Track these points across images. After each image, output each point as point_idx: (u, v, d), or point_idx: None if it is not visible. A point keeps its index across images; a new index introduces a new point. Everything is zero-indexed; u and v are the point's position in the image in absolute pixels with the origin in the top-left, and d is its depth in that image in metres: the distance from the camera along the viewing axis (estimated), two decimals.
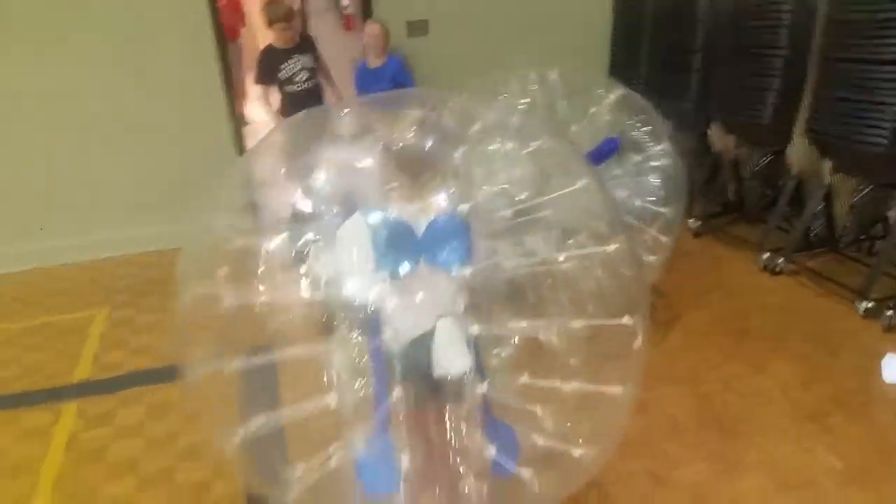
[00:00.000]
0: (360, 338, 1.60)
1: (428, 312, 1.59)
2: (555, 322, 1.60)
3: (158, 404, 2.80)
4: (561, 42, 4.76)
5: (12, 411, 2.83)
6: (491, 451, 1.57)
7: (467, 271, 1.56)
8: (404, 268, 1.56)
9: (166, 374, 2.94)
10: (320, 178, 1.61)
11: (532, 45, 4.76)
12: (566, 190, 1.64)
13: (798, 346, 2.95)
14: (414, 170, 1.64)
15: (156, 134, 4.31)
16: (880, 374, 2.72)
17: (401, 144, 1.63)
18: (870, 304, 3.15)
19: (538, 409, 1.59)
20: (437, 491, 1.64)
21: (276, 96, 4.15)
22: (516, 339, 1.61)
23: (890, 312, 3.05)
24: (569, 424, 1.58)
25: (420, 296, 1.58)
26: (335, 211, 1.63)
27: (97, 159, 4.28)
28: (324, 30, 6.91)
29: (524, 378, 1.61)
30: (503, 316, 1.62)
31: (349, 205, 1.62)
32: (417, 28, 4.37)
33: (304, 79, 4.08)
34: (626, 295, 1.63)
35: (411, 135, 1.62)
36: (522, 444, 1.60)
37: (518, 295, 1.64)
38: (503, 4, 4.70)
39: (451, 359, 1.56)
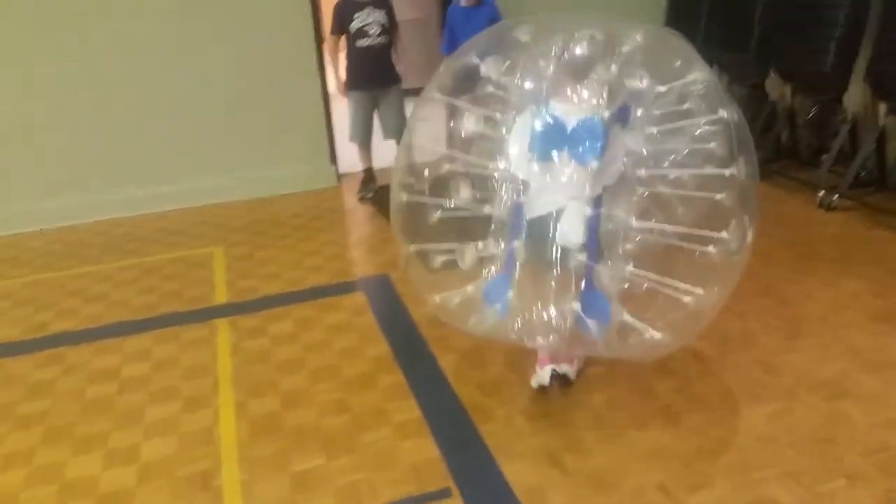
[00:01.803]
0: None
1: (561, 193, 2.02)
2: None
3: (304, 319, 3.17)
4: None
5: (169, 329, 3.18)
6: (577, 308, 1.98)
7: (596, 164, 1.96)
8: (552, 155, 2.01)
9: (303, 296, 3.36)
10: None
11: None
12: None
13: (862, 267, 3.30)
14: (577, 76, 2.03)
15: (246, 89, 4.63)
16: None
17: (568, 55, 2.01)
18: None
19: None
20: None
21: (342, 60, 4.38)
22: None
23: None
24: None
25: (558, 177, 2.01)
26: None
27: (192, 114, 4.61)
28: None
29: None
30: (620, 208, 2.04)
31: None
32: None
33: (377, 32, 4.27)
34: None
35: (580, 48, 1.99)
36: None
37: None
38: None
39: (569, 233, 1.99)
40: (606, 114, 1.97)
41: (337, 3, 4.34)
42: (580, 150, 1.97)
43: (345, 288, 3.47)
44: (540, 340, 2.10)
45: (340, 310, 3.25)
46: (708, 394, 2.43)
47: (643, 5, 5.19)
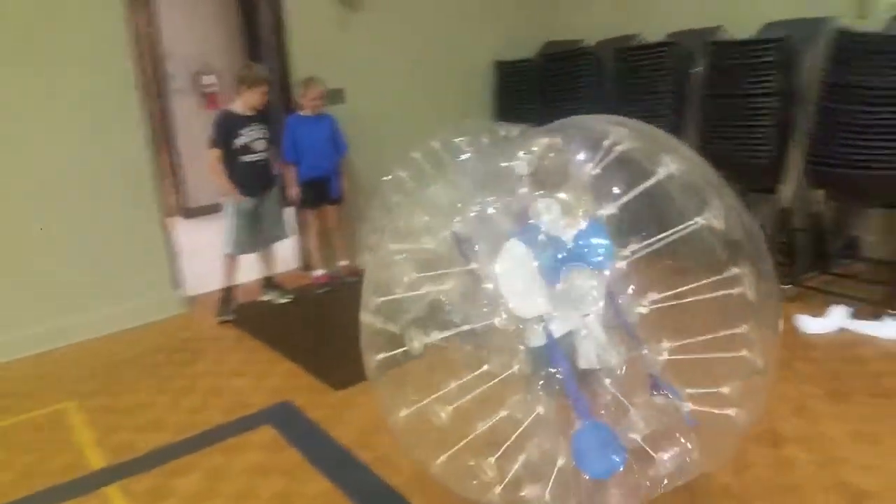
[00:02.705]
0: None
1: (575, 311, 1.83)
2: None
3: (213, 468, 2.75)
4: (453, 100, 5.38)
5: None
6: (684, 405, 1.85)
7: (621, 265, 1.82)
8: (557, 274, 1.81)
9: (198, 442, 2.93)
10: None
11: (431, 105, 5.27)
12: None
13: None
14: (553, 185, 1.88)
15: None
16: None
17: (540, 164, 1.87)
18: None
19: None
20: None
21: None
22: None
23: None
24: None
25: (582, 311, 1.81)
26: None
27: (8, 252, 3.95)
28: (185, 110, 6.88)
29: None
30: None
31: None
32: (335, 97, 4.66)
33: (262, 148, 4.19)
34: None
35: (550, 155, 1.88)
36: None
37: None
38: (401, 72, 5.17)
39: (596, 352, 1.82)
40: (606, 212, 1.85)
41: (221, 117, 4.20)
42: (590, 256, 1.81)
43: (246, 424, 3.08)
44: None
45: (252, 449, 2.87)
46: None
47: (474, 109, 5.50)
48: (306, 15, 4.73)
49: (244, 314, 4.34)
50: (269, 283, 4.59)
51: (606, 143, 1.86)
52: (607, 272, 1.83)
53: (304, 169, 4.51)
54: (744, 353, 1.83)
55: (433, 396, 1.97)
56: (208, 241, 5.56)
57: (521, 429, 1.86)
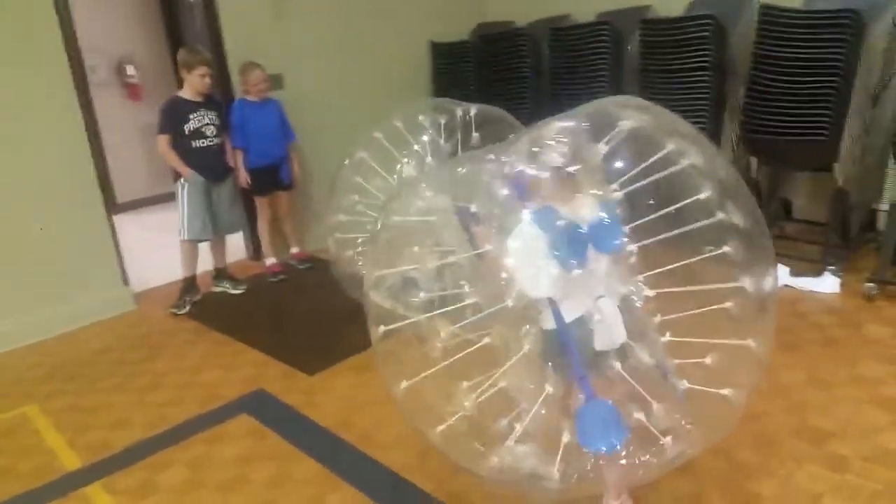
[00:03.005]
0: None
1: (586, 294, 1.86)
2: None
3: (197, 459, 2.76)
4: (390, 83, 5.43)
5: None
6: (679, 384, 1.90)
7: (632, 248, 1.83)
8: (586, 257, 1.81)
9: (175, 436, 2.92)
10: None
11: (370, 88, 5.31)
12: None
13: None
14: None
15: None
16: None
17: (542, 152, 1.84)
18: None
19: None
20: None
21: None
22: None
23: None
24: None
25: (583, 279, 1.82)
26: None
27: None
28: (108, 101, 6.65)
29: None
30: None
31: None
32: (275, 83, 4.62)
33: (213, 133, 4.13)
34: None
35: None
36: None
37: None
38: (339, 56, 5.17)
39: (613, 333, 1.88)
40: (620, 194, 1.86)
41: (168, 102, 4.14)
42: (606, 240, 1.82)
43: (221, 414, 3.08)
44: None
45: (233, 439, 2.89)
46: None
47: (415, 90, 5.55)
48: (239, 2, 4.66)
49: (198, 307, 4.29)
50: (220, 273, 4.55)
51: (622, 124, 1.86)
52: (623, 253, 1.84)
53: (253, 155, 4.47)
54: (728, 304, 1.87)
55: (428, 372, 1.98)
56: (141, 236, 5.49)
57: (533, 409, 1.89)
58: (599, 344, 1.89)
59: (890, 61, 3.81)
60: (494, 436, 1.97)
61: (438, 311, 2.01)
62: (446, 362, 1.95)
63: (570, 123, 1.87)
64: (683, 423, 1.92)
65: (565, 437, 1.90)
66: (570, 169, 1.82)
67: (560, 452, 1.90)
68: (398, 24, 5.50)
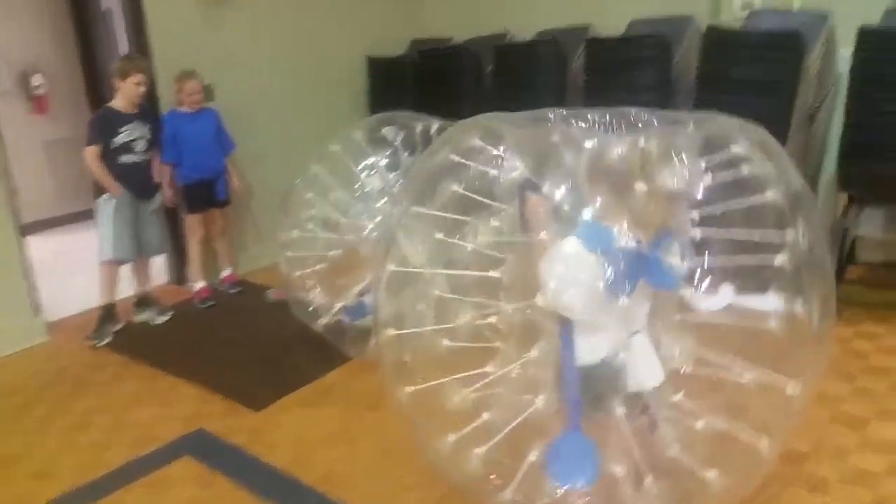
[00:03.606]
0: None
1: (619, 329, 1.74)
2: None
3: None
4: (327, 97, 5.24)
5: None
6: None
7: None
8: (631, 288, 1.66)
9: (110, 484, 2.65)
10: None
11: (305, 102, 5.09)
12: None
13: None
14: (617, 187, 1.70)
15: None
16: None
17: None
18: None
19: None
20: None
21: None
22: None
23: None
24: None
25: (622, 312, 1.69)
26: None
27: None
28: (9, 113, 6.12)
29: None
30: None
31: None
32: (205, 94, 4.34)
33: (143, 149, 3.84)
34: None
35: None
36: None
37: None
38: (273, 68, 4.94)
39: (648, 374, 1.77)
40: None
41: (97, 115, 3.87)
42: (662, 275, 1.68)
43: (161, 458, 2.79)
44: None
45: (177, 484, 2.62)
46: None
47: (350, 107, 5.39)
48: (168, 10, 4.37)
49: (121, 337, 3.94)
50: (144, 300, 4.20)
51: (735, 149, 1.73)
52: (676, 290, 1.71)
53: (186, 169, 4.18)
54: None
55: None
56: (51, 259, 5.04)
57: (517, 420, 1.80)
58: (634, 384, 1.75)
59: (823, 83, 3.93)
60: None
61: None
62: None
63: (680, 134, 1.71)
64: None
65: (531, 457, 1.80)
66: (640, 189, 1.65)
67: (521, 472, 1.80)
68: (333, 37, 5.32)
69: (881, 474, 2.38)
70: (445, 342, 1.91)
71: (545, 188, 1.72)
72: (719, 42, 3.80)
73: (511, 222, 1.85)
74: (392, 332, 2.00)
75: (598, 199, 1.71)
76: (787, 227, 1.73)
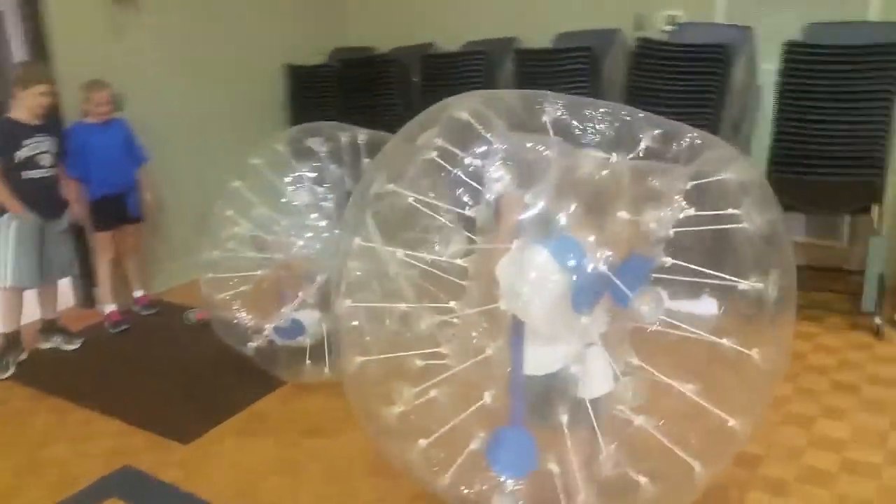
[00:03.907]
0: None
1: (576, 341, 1.75)
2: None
3: None
4: (244, 106, 5.02)
5: None
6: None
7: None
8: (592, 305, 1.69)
9: None
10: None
11: (221, 111, 4.86)
12: None
13: None
14: (592, 201, 1.69)
15: None
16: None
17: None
18: None
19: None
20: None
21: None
22: None
23: None
24: None
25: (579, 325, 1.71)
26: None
27: None
28: None
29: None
30: None
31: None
32: (115, 103, 4.04)
33: (49, 163, 3.52)
34: None
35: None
36: None
37: None
38: (187, 76, 4.67)
39: (600, 383, 1.78)
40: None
41: None
42: (621, 294, 1.63)
43: (83, 501, 2.52)
44: None
45: None
46: None
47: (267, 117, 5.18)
48: (70, 14, 4.05)
49: (26, 368, 3.58)
50: (50, 326, 3.84)
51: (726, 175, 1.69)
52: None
53: (95, 185, 3.86)
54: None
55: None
56: None
57: (463, 414, 1.83)
58: (585, 391, 1.76)
59: (745, 94, 4.05)
60: None
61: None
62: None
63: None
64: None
65: (473, 445, 1.84)
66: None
67: (461, 458, 1.84)
68: (250, 43, 5.06)
69: (835, 473, 2.41)
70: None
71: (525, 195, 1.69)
72: (648, 54, 3.85)
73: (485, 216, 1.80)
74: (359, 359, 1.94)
75: (572, 210, 1.68)
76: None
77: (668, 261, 1.72)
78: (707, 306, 3.44)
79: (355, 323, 1.99)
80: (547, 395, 1.77)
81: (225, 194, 3.26)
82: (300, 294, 3.18)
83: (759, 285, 1.72)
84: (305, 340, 3.19)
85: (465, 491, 1.86)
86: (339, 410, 2.98)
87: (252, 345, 3.17)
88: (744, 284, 1.73)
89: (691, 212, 1.69)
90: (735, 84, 3.87)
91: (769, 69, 3.76)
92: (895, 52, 3.19)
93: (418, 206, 1.87)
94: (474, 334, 1.84)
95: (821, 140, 3.29)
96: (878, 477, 2.39)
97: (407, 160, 1.92)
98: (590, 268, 1.63)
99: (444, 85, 4.51)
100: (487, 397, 1.82)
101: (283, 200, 3.16)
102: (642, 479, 1.79)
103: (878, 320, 3.42)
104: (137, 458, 2.76)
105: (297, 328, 3.18)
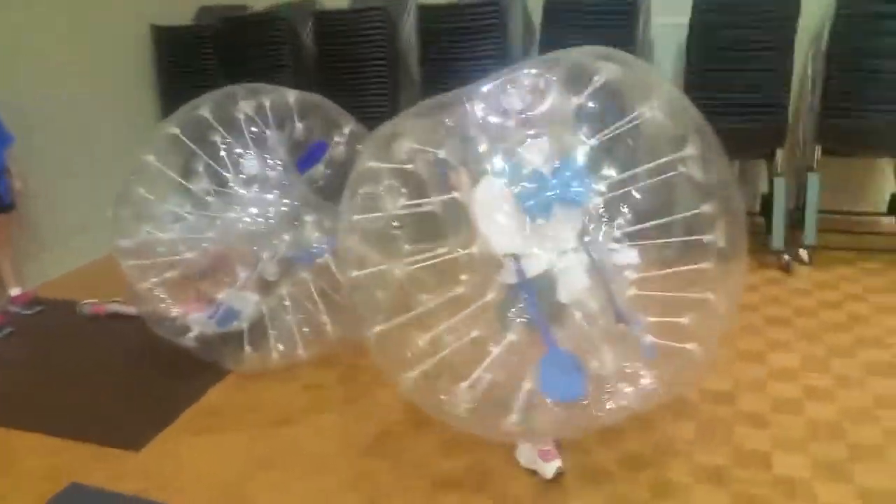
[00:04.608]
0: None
1: (550, 249, 1.89)
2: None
3: None
4: (108, 73, 4.53)
5: None
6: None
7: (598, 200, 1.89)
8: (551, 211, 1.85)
9: None
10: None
11: (86, 83, 4.33)
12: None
13: None
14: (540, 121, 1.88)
15: None
16: None
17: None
18: None
19: None
20: None
21: None
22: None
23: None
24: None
25: (546, 233, 1.88)
26: None
27: None
28: None
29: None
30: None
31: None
32: None
33: None
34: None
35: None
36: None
37: None
38: (44, 45, 4.09)
39: (576, 285, 1.90)
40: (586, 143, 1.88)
41: None
42: (572, 192, 1.83)
43: None
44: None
45: None
46: None
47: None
48: None
49: None
50: None
51: (597, 78, 1.84)
52: (589, 205, 1.89)
53: None
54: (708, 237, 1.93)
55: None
56: None
57: (492, 356, 1.90)
58: (565, 296, 1.88)
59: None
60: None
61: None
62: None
63: (540, 72, 1.86)
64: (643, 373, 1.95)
65: (526, 385, 1.90)
66: (531, 113, 1.86)
67: (520, 399, 1.90)
68: (109, 3, 4.54)
69: (799, 399, 2.59)
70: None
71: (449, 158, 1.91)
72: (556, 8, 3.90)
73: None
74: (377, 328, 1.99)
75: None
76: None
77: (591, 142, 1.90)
78: (628, 255, 3.62)
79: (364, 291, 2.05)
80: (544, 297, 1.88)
81: (136, 171, 2.92)
82: (240, 276, 2.95)
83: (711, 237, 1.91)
84: (241, 325, 2.97)
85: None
86: (298, 397, 2.84)
87: (191, 335, 2.88)
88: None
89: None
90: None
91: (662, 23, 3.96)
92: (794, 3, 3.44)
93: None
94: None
95: (731, 89, 3.50)
96: (834, 400, 2.58)
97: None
98: (528, 176, 1.84)
99: (343, 44, 4.31)
100: (512, 336, 1.89)
101: (228, 175, 2.87)
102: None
103: (786, 257, 3.66)
104: (86, 474, 2.41)
105: (232, 313, 2.95)
